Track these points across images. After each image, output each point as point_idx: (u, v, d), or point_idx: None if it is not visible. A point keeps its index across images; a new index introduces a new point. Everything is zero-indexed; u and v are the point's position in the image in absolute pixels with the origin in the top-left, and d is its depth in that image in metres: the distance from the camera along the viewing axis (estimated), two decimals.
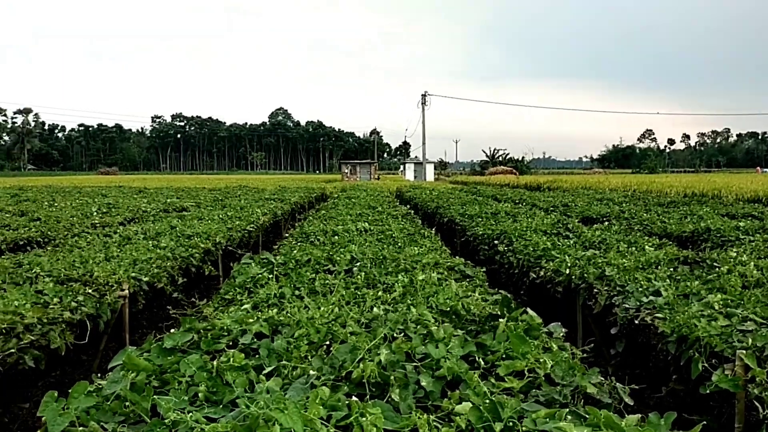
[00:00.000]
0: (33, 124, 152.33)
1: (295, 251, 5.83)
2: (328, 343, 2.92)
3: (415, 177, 59.98)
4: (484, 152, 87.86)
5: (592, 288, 5.08)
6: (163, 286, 6.11)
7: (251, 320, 3.22)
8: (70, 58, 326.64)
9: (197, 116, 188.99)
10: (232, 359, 2.67)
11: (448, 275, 5.18)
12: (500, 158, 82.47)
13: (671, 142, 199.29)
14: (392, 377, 2.34)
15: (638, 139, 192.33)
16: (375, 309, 3.50)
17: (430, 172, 59.91)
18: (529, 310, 3.23)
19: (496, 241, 8.72)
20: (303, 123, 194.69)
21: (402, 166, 69.62)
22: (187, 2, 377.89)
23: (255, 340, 2.97)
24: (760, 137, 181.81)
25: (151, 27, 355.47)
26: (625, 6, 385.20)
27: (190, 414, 2.15)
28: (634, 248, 6.90)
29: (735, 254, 6.37)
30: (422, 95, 54.76)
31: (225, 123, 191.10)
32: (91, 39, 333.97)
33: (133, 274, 5.67)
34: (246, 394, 2.37)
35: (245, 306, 3.95)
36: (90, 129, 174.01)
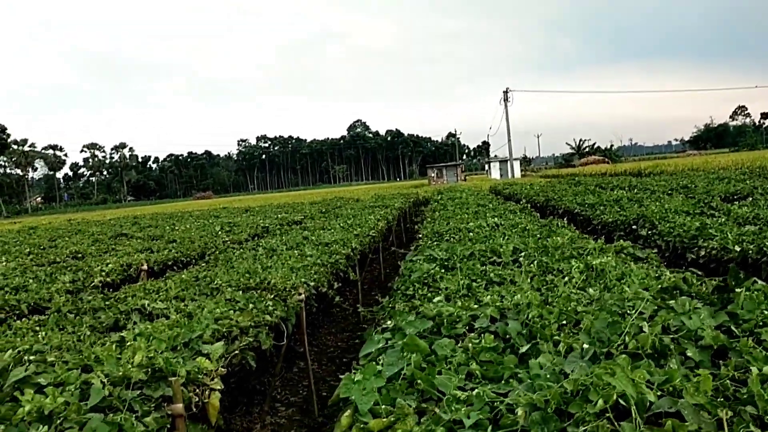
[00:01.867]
0: (129, 157, 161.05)
1: (457, 246, 5.92)
2: (564, 322, 2.97)
3: (501, 175, 59.27)
4: (569, 144, 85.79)
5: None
6: (325, 290, 6.36)
7: (474, 306, 3.33)
8: (162, 94, 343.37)
9: (280, 136, 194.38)
10: (483, 341, 2.76)
11: (619, 259, 5.13)
12: (587, 149, 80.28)
13: (765, 116, 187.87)
14: (667, 348, 2.36)
15: (730, 117, 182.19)
16: (590, 290, 3.53)
17: (516, 169, 59.05)
18: (757, 280, 3.17)
19: (634, 227, 8.53)
20: (381, 132, 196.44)
21: (487, 166, 68.98)
22: (277, 31, 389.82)
23: (489, 324, 3.06)
24: None
25: (228, 52, 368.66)
26: None
27: (476, 390, 2.25)
28: None
29: None
30: (504, 91, 54.04)
31: (306, 140, 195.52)
32: (171, 69, 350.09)
33: (303, 280, 5.92)
34: (517, 369, 2.46)
35: (437, 298, 4.06)
36: (180, 157, 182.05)
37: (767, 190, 10.73)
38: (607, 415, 1.78)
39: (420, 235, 8.78)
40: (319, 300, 6.63)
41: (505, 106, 53.30)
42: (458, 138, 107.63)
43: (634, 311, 2.81)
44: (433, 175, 55.19)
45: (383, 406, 2.26)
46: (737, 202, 9.04)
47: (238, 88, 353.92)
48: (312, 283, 6.04)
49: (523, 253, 5.44)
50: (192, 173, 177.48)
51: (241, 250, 9.07)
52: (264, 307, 4.76)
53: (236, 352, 3.91)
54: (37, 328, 4.60)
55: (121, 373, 2.96)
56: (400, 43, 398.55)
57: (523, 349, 2.64)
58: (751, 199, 9.10)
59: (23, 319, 4.85)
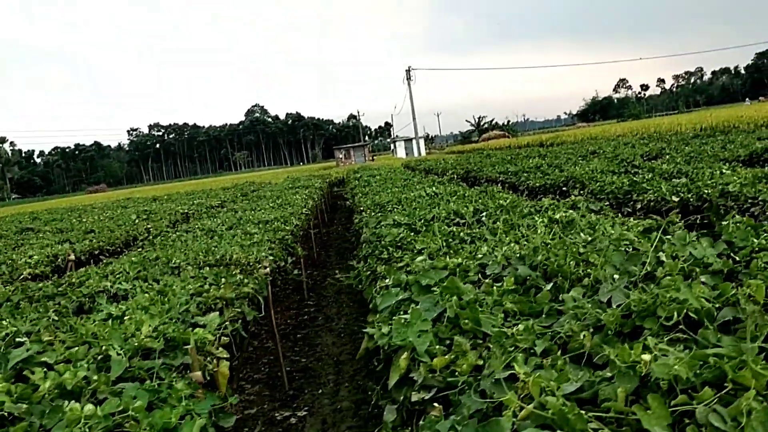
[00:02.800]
0: (10, 152, 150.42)
1: (419, 211, 6.00)
2: (572, 262, 3.11)
3: (406, 154, 60.05)
4: (468, 122, 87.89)
5: (718, 205, 5.31)
6: (284, 264, 6.30)
7: (479, 256, 3.42)
8: (36, 79, 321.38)
9: (174, 123, 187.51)
10: (505, 283, 2.86)
11: (578, 212, 5.38)
12: (486, 125, 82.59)
13: (645, 87, 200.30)
14: (692, 272, 2.54)
15: (614, 90, 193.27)
16: (582, 235, 3.70)
17: (422, 148, 59.99)
18: (735, 214, 3.43)
19: (564, 188, 8.93)
20: (281, 116, 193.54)
21: (392, 145, 69.63)
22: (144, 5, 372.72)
23: (501, 270, 3.15)
24: (733, 72, 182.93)
25: (112, 38, 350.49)
26: None
27: (520, 325, 2.34)
28: (719, 171, 7.13)
29: None
30: (406, 70, 54.64)
31: (203, 127, 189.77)
32: (52, 57, 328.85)
33: (263, 254, 5.82)
34: (552, 303, 2.56)
35: (420, 258, 4.13)
36: (67, 150, 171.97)
37: (677, 150, 11.52)
38: (680, 327, 1.91)
39: (361, 208, 8.80)
40: (279, 274, 6.56)
41: (409, 84, 54.05)
42: (360, 119, 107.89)
43: (644, 245, 2.99)
44: (341, 156, 55.12)
45: (437, 347, 2.30)
46: (655, 161, 9.66)
47: (127, 75, 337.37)
48: (271, 257, 5.96)
49: (484, 213, 5.60)
50: (81, 166, 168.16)
51: (177, 233, 8.76)
52: (238, 280, 4.66)
53: (226, 323, 3.82)
54: None
55: (136, 345, 2.84)
56: (292, 28, 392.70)
57: (548, 287, 2.75)
58: (668, 157, 9.76)
59: None
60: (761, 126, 16.43)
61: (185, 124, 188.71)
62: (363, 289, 4.75)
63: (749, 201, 4.97)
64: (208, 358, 3.15)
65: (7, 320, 3.95)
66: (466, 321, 2.40)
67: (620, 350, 1.68)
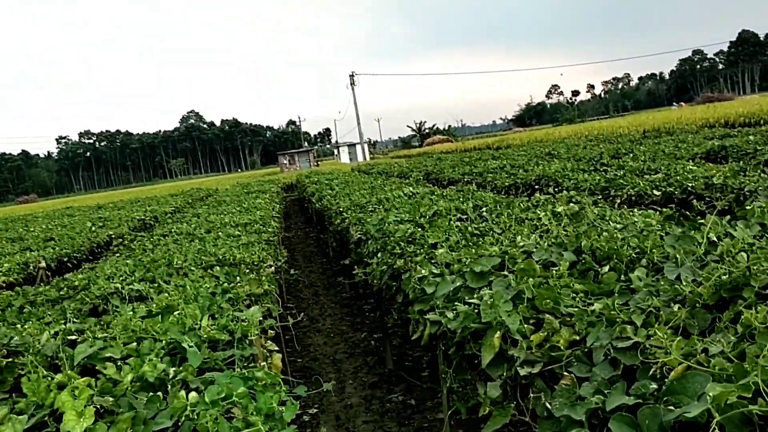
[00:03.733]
0: None
1: (421, 208, 6.09)
2: (615, 247, 3.27)
3: (351, 159, 60.11)
4: (410, 127, 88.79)
5: (702, 195, 5.62)
6: (281, 264, 6.29)
7: (521, 244, 3.55)
8: None
9: (106, 131, 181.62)
10: (561, 268, 2.98)
11: (577, 206, 5.59)
12: (427, 130, 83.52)
13: (576, 93, 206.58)
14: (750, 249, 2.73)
15: (546, 96, 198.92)
16: (611, 223, 3.88)
17: (366, 153, 60.18)
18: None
19: (537, 186, 9.20)
20: (217, 123, 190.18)
21: (336, 150, 69.57)
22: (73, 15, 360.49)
23: (548, 256, 3.28)
24: (658, 77, 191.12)
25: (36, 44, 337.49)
26: None
27: (597, 304, 2.47)
28: (688, 167, 7.50)
29: None
30: (350, 75, 54.80)
31: (137, 134, 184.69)
32: None
33: (265, 254, 5.81)
34: (619, 283, 2.70)
35: (441, 250, 4.25)
36: None
37: (632, 150, 12.02)
38: None
39: (341, 209, 8.83)
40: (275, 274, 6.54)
41: (353, 90, 54.14)
42: (300, 125, 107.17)
43: (673, 230, 3.17)
44: (285, 162, 54.67)
45: (525, 325, 2.40)
46: (617, 160, 10.07)
47: (57, 82, 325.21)
48: (272, 257, 5.95)
49: (484, 209, 5.75)
50: (7, 176, 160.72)
51: (153, 238, 8.57)
52: (254, 278, 4.64)
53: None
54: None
55: (204, 336, 2.83)
56: (226, 31, 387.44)
57: (605, 270, 2.89)
58: (631, 155, 10.18)
59: None
60: (702, 127, 17.40)
61: (117, 131, 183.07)
62: (379, 283, 4.81)
63: (735, 191, 5.30)
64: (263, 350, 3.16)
65: (31, 322, 3.83)
66: (548, 301, 2.51)
67: (760, 313, 1.81)
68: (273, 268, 5.40)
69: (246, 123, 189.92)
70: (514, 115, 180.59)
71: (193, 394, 2.24)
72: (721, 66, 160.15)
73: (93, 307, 4.40)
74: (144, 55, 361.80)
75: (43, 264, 8.21)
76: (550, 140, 26.01)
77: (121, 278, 5.06)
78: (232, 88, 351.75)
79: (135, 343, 2.93)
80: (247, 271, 5.06)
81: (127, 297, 4.51)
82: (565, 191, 7.92)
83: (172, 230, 8.93)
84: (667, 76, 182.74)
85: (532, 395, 2.10)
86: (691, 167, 7.56)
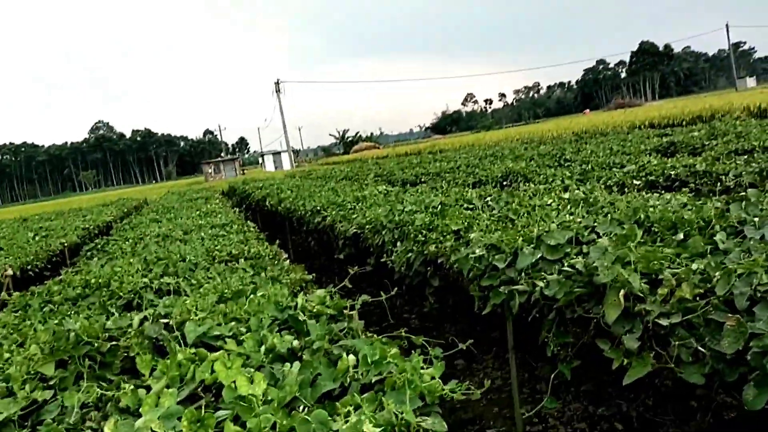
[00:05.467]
0: None
1: (426, 199, 6.24)
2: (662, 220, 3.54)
3: (276, 167, 59.60)
4: (332, 135, 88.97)
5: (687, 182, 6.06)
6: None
7: (578, 220, 3.77)
8: None
9: (9, 143, 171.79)
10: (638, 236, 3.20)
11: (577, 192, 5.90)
12: (350, 138, 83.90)
13: (489, 102, 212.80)
14: None
15: (462, 104, 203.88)
16: (651, 201, 4.15)
17: (291, 161, 59.78)
18: None
19: (504, 183, 9.55)
20: (128, 134, 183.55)
21: (261, 158, 68.69)
22: None
23: (613, 229, 3.50)
24: (566, 86, 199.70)
25: None
26: None
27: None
28: (654, 160, 8.01)
29: None
30: (275, 83, 54.11)
31: (43, 146, 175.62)
32: None
33: (274, 249, 5.81)
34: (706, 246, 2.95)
35: (474, 234, 4.42)
36: None
37: (579, 150, 12.60)
38: None
39: (318, 208, 8.87)
40: None
41: (278, 97, 53.48)
42: (221, 134, 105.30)
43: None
44: (210, 170, 53.52)
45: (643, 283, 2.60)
46: (580, 154, 10.55)
47: None
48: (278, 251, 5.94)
49: (488, 199, 5.96)
50: None
51: (126, 242, 8.29)
52: (297, 266, 4.67)
53: None
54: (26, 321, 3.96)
55: (308, 311, 2.89)
56: (140, 38, 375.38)
57: (680, 236, 3.13)
58: (589, 152, 10.69)
59: None
60: (633, 128, 18.50)
61: (23, 143, 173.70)
62: (406, 271, 4.92)
63: (720, 176, 5.75)
64: None
65: (76, 314, 3.71)
66: (655, 262, 2.71)
67: None
68: (288, 260, 5.40)
69: (159, 133, 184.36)
70: (431, 123, 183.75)
71: (351, 356, 2.30)
72: (623, 75, 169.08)
73: (127, 302, 4.28)
74: (48, 63, 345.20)
75: (9, 272, 7.82)
76: (479, 145, 26.76)
77: (139, 275, 4.93)
78: (143, 97, 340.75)
79: (233, 322, 2.93)
80: (269, 263, 5.05)
81: (160, 290, 4.42)
82: (539, 185, 8.30)
83: (146, 233, 8.68)
84: (574, 85, 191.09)
85: (676, 343, 2.28)
86: (652, 160, 8.09)
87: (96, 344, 2.74)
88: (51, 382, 2.63)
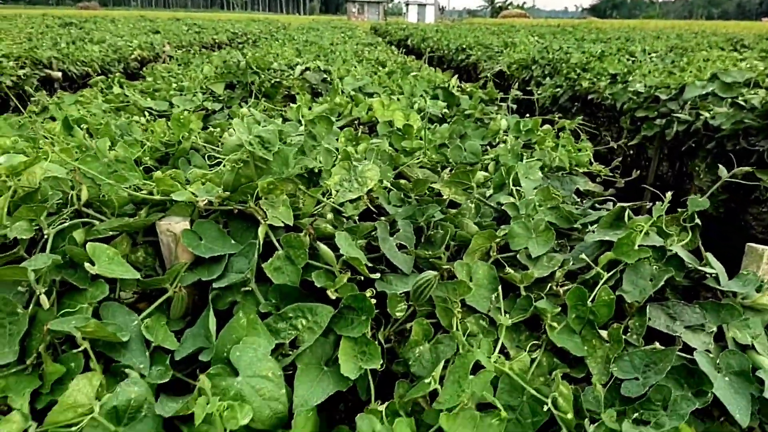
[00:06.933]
0: None
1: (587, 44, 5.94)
2: None
3: (418, 19, 58.13)
4: None
5: None
6: None
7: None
8: None
9: None
10: None
11: None
12: (499, 4, 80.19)
13: None
14: None
15: None
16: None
17: (434, 14, 58.02)
18: None
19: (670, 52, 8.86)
20: None
21: (405, 7, 67.05)
22: None
23: None
24: None
25: None
26: None
27: None
28: None
29: None
30: None
31: None
32: None
33: None
34: None
35: (639, 72, 4.16)
36: None
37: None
38: None
39: (462, 46, 8.67)
40: None
41: None
42: None
43: None
44: (354, 10, 52.99)
45: None
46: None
47: None
48: None
49: (653, 54, 5.58)
50: None
51: (277, 41, 8.54)
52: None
53: None
54: None
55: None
56: None
57: None
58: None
59: None
60: None
61: None
62: (550, 105, 4.81)
63: None
64: None
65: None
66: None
67: None
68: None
69: None
70: (590, 5, 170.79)
71: (503, 120, 2.33)
72: None
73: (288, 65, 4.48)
74: None
75: (167, 48, 8.31)
76: (646, 30, 24.65)
77: (293, 53, 5.11)
78: None
79: (386, 89, 3.00)
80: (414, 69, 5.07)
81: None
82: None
83: (293, 37, 8.90)
84: None
85: None
86: None
87: (262, 76, 2.90)
88: (220, 98, 2.85)
